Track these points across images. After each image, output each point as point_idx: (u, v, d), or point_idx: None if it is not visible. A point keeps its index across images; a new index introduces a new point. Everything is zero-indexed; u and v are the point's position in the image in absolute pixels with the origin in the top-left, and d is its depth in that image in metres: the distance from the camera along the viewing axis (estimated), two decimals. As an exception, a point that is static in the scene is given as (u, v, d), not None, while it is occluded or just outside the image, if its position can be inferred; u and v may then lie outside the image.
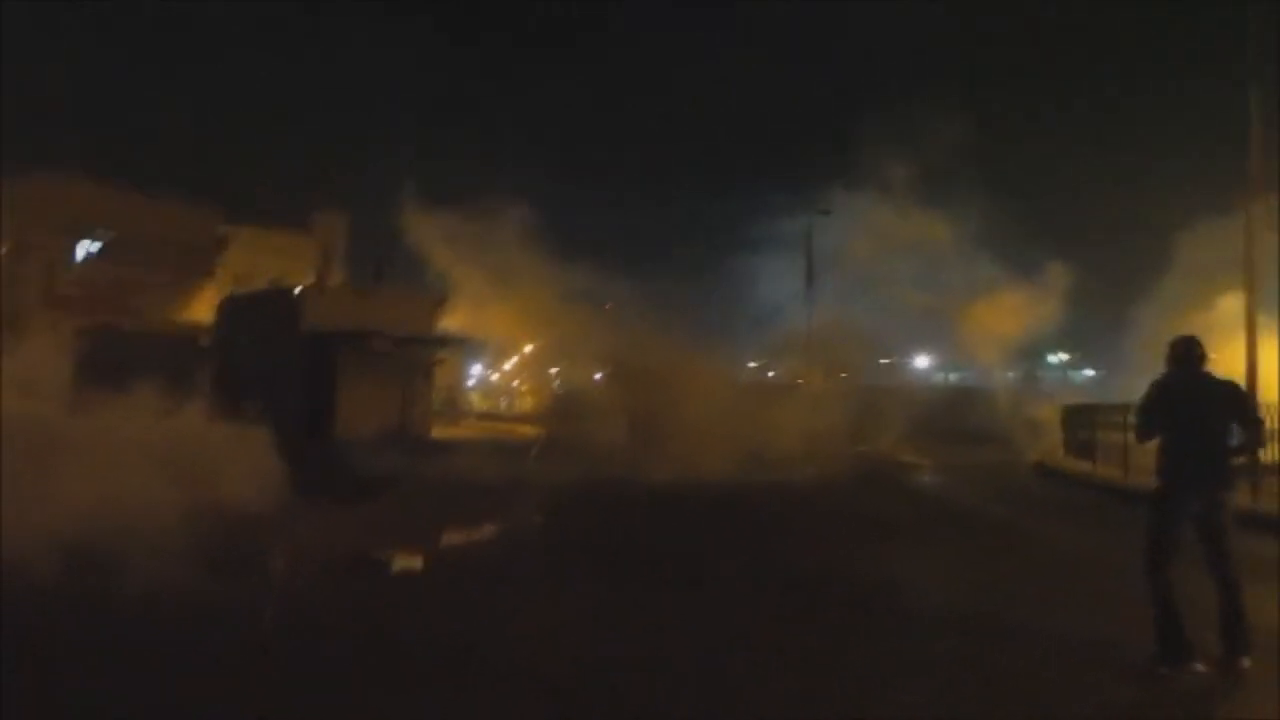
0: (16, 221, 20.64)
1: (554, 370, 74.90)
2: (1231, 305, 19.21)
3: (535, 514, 10.31)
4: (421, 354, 26.00)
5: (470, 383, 68.27)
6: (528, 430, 31.44)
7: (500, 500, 11.68)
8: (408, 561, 7.60)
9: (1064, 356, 54.28)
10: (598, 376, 70.62)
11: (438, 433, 27.47)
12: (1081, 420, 19.41)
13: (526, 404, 61.07)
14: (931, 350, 52.27)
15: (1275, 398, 12.80)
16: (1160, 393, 5.40)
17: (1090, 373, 51.15)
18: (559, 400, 58.74)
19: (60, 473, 9.03)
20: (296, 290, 25.00)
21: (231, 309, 23.89)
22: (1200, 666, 4.92)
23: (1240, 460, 5.64)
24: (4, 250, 20.63)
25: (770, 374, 57.39)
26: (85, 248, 21.24)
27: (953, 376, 54.89)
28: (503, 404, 65.70)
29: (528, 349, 65.13)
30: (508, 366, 70.24)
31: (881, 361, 47.85)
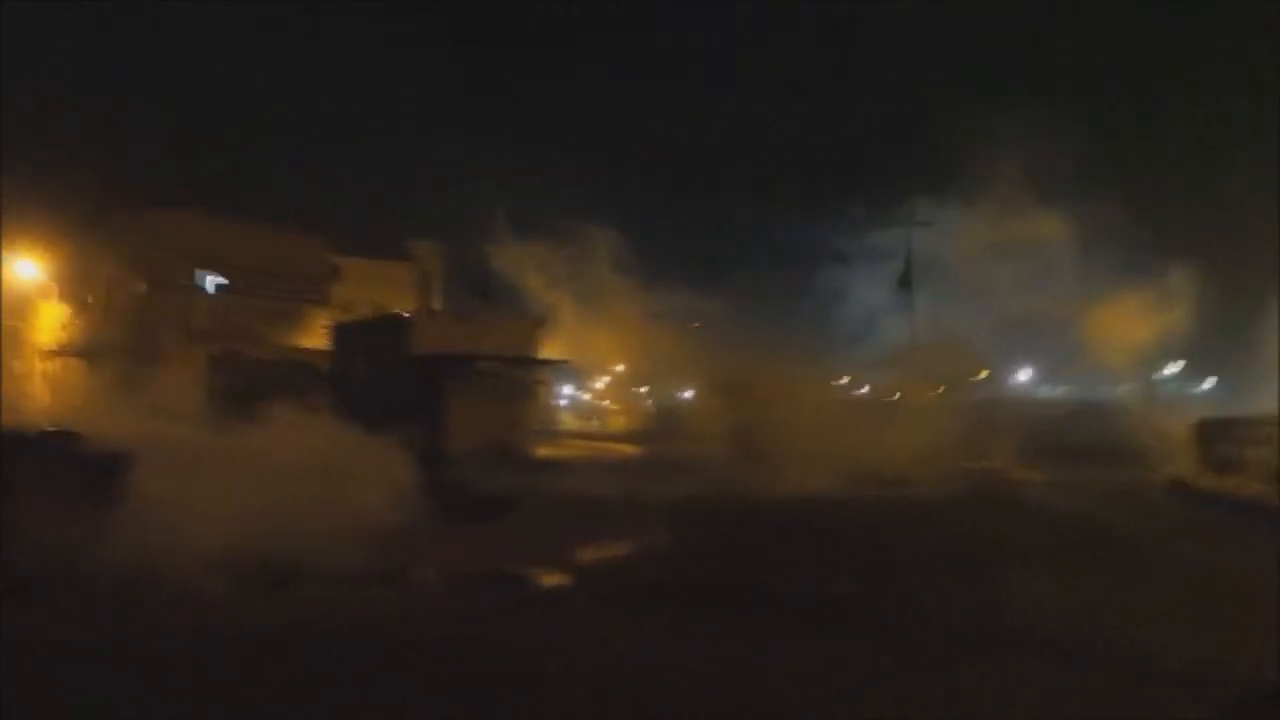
0: (151, 257, 21.89)
1: (643, 389, 75.09)
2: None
3: (661, 532, 10.26)
4: (524, 375, 26.43)
5: (561, 403, 68.89)
6: (625, 449, 31.59)
7: (621, 518, 11.71)
8: (550, 578, 7.66)
9: (1177, 366, 51.58)
10: (688, 394, 70.44)
11: (539, 452, 27.81)
12: (1221, 434, 18.23)
13: (618, 423, 61.38)
14: (1035, 363, 50.41)
15: None
16: None
17: (1209, 383, 48.31)
18: (653, 419, 58.95)
19: (214, 491, 9.42)
20: (406, 316, 25.83)
21: (345, 335, 24.78)
22: None
23: None
24: (143, 286, 21.90)
25: (863, 390, 56.21)
26: (213, 281, 22.33)
27: (1058, 390, 52.75)
28: (594, 423, 66.20)
29: (618, 369, 65.63)
30: (598, 386, 70.90)
31: (980, 375, 46.40)
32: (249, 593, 7.37)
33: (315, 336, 24.36)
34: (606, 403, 74.09)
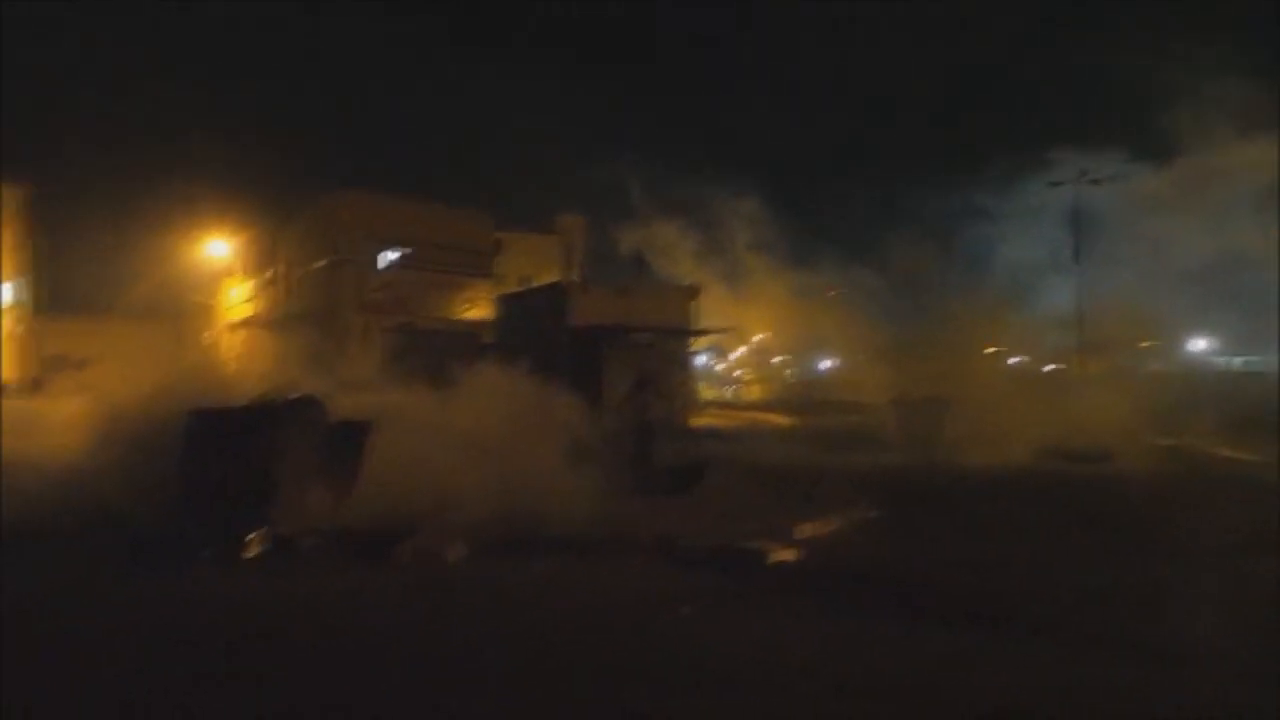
0: (333, 235, 22.94)
1: (777, 359, 73.98)
2: None
3: (868, 507, 9.89)
4: (679, 345, 26.40)
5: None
6: (775, 419, 31.14)
7: (814, 491, 11.39)
8: (782, 553, 7.46)
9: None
10: (825, 365, 68.77)
11: (693, 422, 27.74)
12: None
13: (754, 393, 60.90)
14: (1211, 331, 46.58)
15: None
16: None
17: None
18: (792, 389, 57.97)
19: (436, 456, 9.67)
20: (565, 286, 26.19)
21: (507, 306, 25.37)
22: None
23: None
24: (325, 261, 23.00)
25: (1015, 360, 53.43)
26: (386, 256, 23.22)
27: (1238, 361, 48.63)
28: (728, 393, 65.89)
29: (756, 338, 64.91)
30: (733, 357, 70.44)
31: (1144, 345, 43.18)
32: (491, 554, 7.50)
33: (479, 308, 25.00)
34: (739, 373, 73.62)
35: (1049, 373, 38.52)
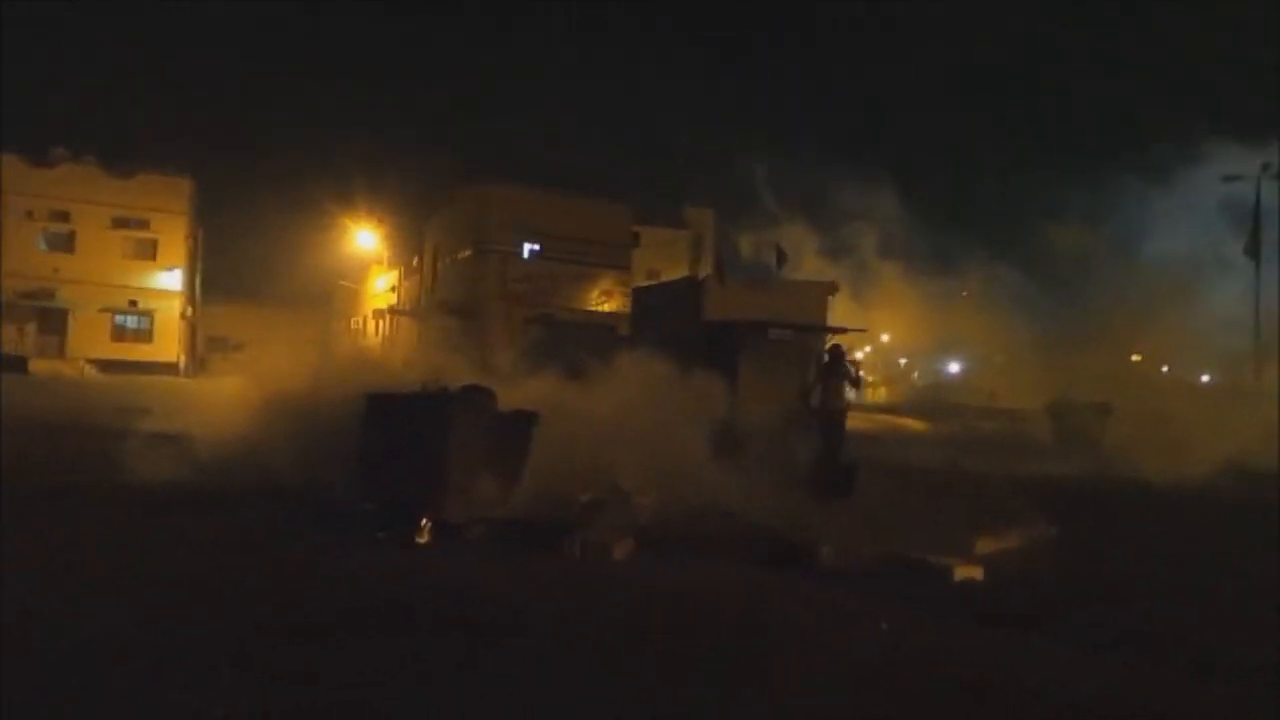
0: (477, 226, 23.38)
1: (903, 360, 71.52)
2: None
3: (1047, 524, 9.15)
4: (815, 342, 25.65)
5: (817, 373, 67.15)
6: (908, 422, 29.90)
7: (982, 500, 10.67)
8: (969, 571, 6.92)
9: None
10: (954, 369, 65.89)
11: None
12: None
13: (879, 395, 59.06)
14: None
15: None
16: None
17: None
18: (919, 392, 55.83)
19: (595, 445, 9.53)
20: (700, 280, 25.96)
21: (642, 299, 25.28)
22: None
23: None
24: (469, 252, 23.47)
25: (1163, 369, 49.89)
26: (528, 248, 23.49)
27: None
28: (852, 395, 63.88)
29: (882, 339, 62.92)
30: (859, 356, 68.61)
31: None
32: (657, 552, 7.27)
33: (615, 300, 25.01)
34: (862, 374, 71.31)
35: (1220, 382, 35.65)
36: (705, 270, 33.91)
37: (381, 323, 33.28)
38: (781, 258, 27.98)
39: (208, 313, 43.66)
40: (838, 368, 12.54)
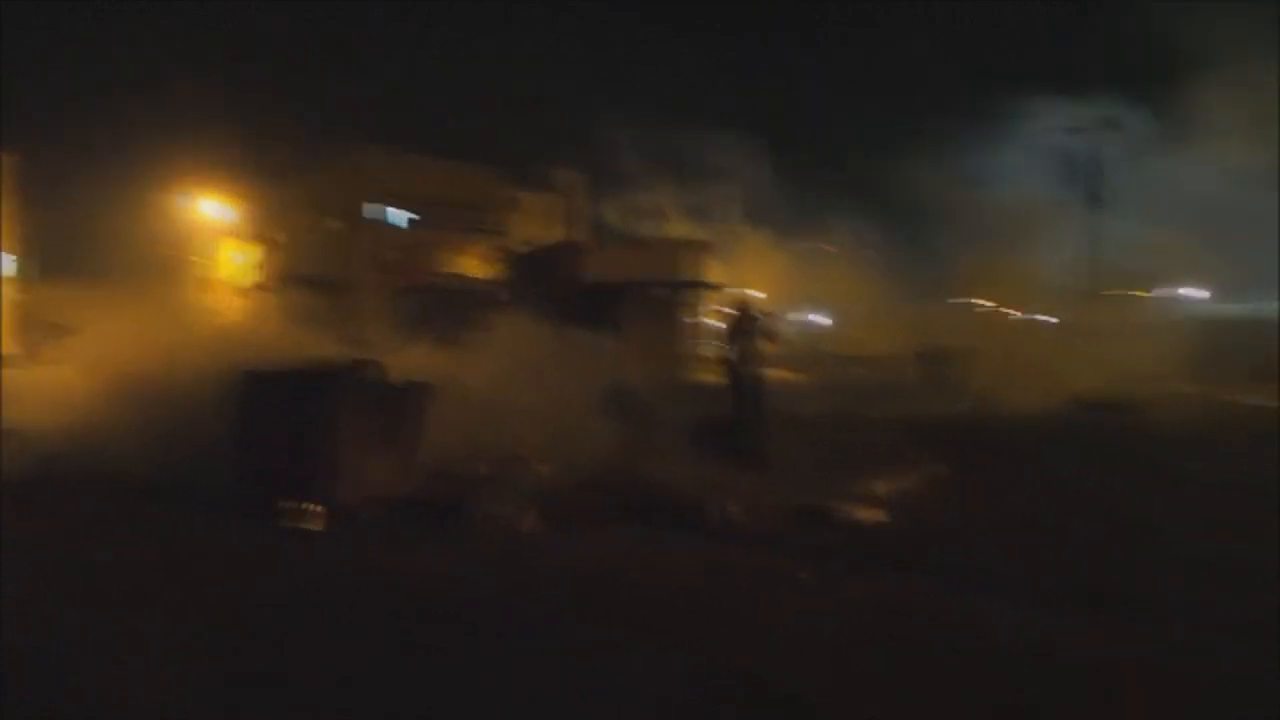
0: (346, 194, 22.14)
1: (766, 314, 73.34)
2: None
3: (935, 464, 9.46)
4: (694, 299, 25.84)
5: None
6: (781, 373, 30.64)
7: (867, 446, 10.99)
8: (871, 514, 7.03)
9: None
10: (822, 320, 68.20)
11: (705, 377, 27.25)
12: None
13: (753, 349, 60.41)
14: (1213, 279, 46.06)
15: None
16: None
17: None
18: (796, 344, 57.40)
19: (492, 420, 9.17)
20: (580, 244, 25.57)
21: (521, 265, 24.69)
22: None
23: None
24: (339, 222, 22.23)
25: (1010, 313, 53.07)
26: (404, 216, 22.46)
27: (1235, 309, 48.31)
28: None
29: (749, 293, 64.11)
30: (727, 311, 69.95)
31: (1138, 294, 42.73)
32: (566, 525, 7.05)
33: (493, 267, 24.38)
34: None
35: (1061, 322, 38.13)
36: (580, 233, 33.51)
37: (241, 299, 31.29)
38: (656, 217, 27.90)
39: (41, 296, 39.89)
40: (748, 325, 11.28)
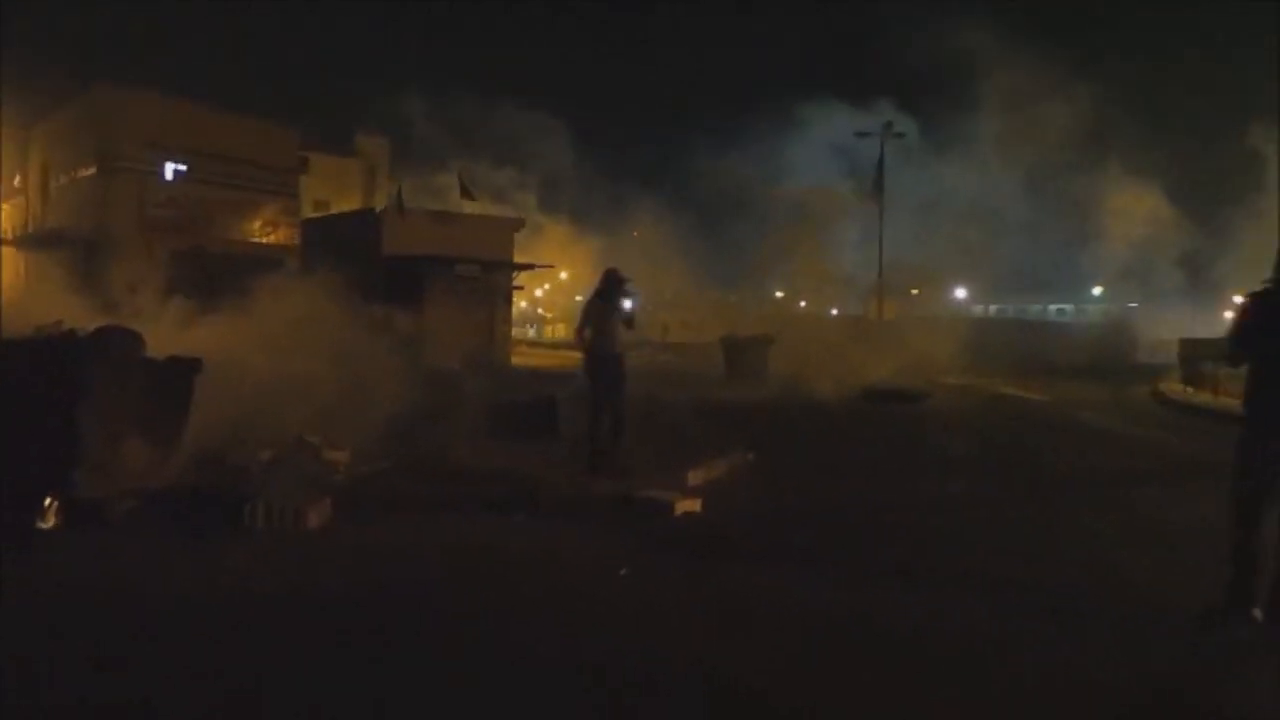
0: (104, 138, 19.43)
1: (579, 298, 73.67)
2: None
3: (744, 449, 9.52)
4: (503, 279, 25.08)
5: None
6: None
7: (678, 433, 10.96)
8: (688, 505, 6.86)
9: (1099, 290, 53.14)
10: (629, 305, 69.45)
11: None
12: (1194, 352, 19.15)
13: (558, 331, 60.29)
14: (969, 281, 50.91)
15: None
16: (1258, 306, 4.36)
17: (1133, 305, 49.90)
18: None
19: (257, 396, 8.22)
20: (379, 212, 24.02)
21: (313, 231, 22.87)
22: (1258, 614, 4.26)
23: None
24: (93, 169, 19.45)
25: (802, 304, 56.37)
26: (171, 167, 20.01)
27: (992, 309, 53.75)
28: (531, 332, 65.01)
29: (562, 276, 64.11)
30: (538, 294, 69.34)
31: (912, 292, 46.66)
32: (359, 515, 6.34)
33: (281, 232, 22.39)
34: (540, 311, 72.74)
35: (852, 318, 40.66)
36: (380, 202, 31.76)
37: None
38: (465, 190, 26.79)
39: None
40: (613, 298, 8.75)
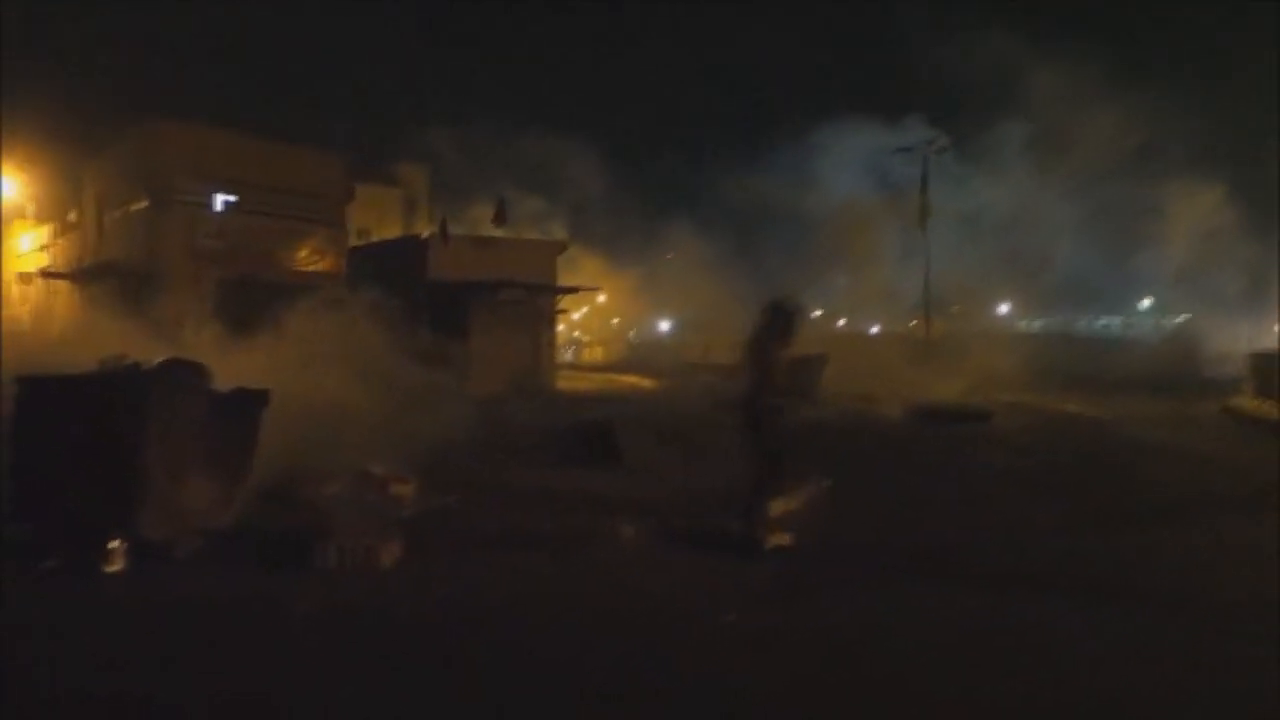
0: (154, 172, 19.59)
1: (615, 321, 73.52)
2: None
3: (823, 477, 9.03)
4: (546, 303, 24.86)
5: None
6: (635, 380, 30.18)
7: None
8: (780, 540, 6.41)
9: (1148, 302, 51.78)
10: (665, 327, 68.57)
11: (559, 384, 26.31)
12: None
13: (596, 354, 60.02)
14: (1012, 296, 49.85)
15: None
16: None
17: (1181, 319, 48.47)
18: (634, 351, 57.41)
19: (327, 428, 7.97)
20: (424, 238, 23.97)
21: (359, 259, 22.84)
22: None
23: None
24: (146, 202, 19.62)
25: (841, 323, 55.64)
26: (221, 198, 20.10)
27: (1037, 324, 52.61)
28: (568, 355, 64.86)
29: (599, 299, 64.12)
30: (575, 317, 69.28)
31: (952, 309, 45.76)
32: (433, 552, 6.00)
33: (328, 260, 22.40)
34: (578, 334, 72.79)
35: (897, 335, 39.93)
36: (421, 229, 31.80)
37: (28, 288, 27.39)
38: (502, 214, 26.66)
39: None
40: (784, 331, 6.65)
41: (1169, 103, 44.47)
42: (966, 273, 40.71)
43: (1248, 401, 18.57)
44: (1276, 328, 36.79)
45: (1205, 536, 6.97)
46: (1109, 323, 51.38)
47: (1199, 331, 35.58)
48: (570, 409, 16.70)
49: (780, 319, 6.68)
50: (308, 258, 21.47)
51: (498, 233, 26.29)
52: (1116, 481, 10.24)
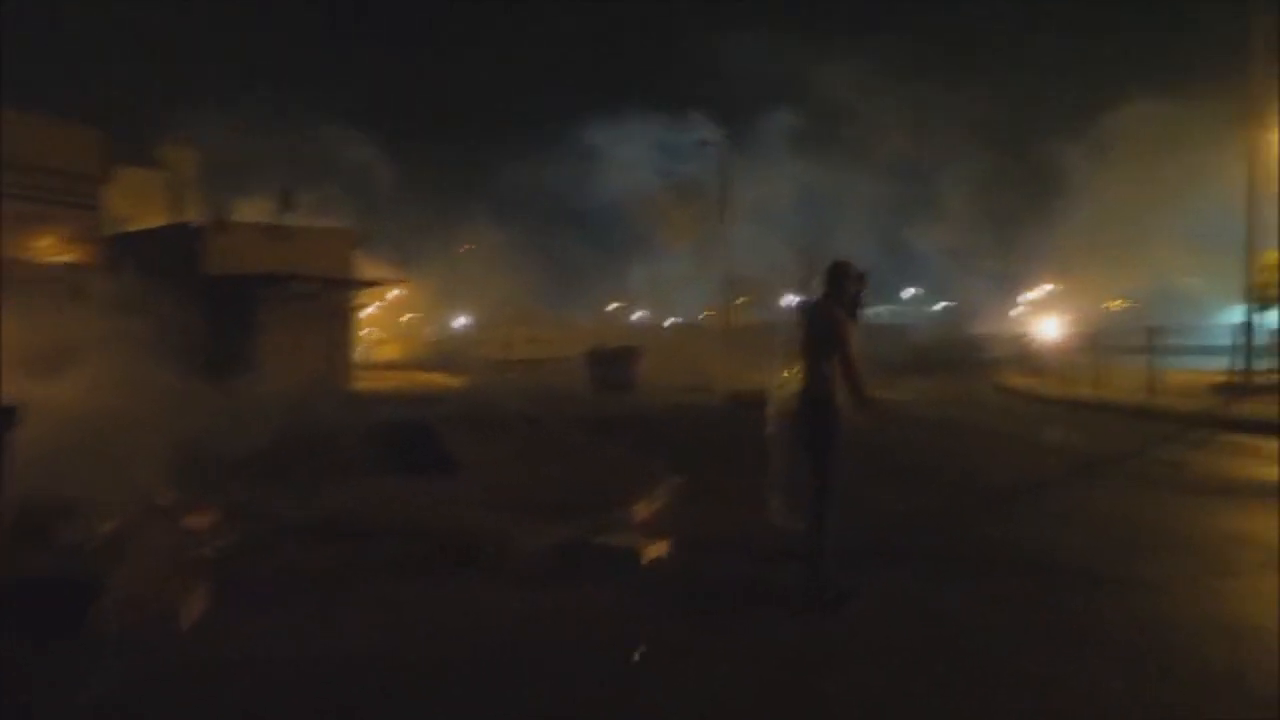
0: None
1: (406, 318, 70.56)
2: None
3: (670, 473, 8.53)
4: (343, 297, 22.77)
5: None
6: (437, 378, 28.53)
7: (590, 459, 9.83)
8: (655, 550, 5.77)
9: (913, 291, 56.40)
10: (462, 322, 66.58)
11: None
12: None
13: (388, 352, 56.78)
14: (796, 288, 52.61)
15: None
16: None
17: (941, 306, 53.34)
18: (431, 347, 55.14)
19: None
20: (198, 226, 21.15)
21: (121, 248, 19.74)
22: None
23: None
24: None
25: (636, 315, 56.41)
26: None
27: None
28: (358, 352, 60.96)
29: (391, 295, 60.97)
30: (364, 314, 65.35)
31: (738, 300, 47.68)
32: (242, 601, 4.80)
33: (82, 248, 19.27)
34: (367, 331, 68.80)
35: (697, 325, 40.76)
36: (191, 216, 28.39)
37: None
38: (287, 202, 24.29)
39: None
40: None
41: (938, 96, 48.37)
42: (754, 263, 42.28)
43: (1014, 378, 20.41)
44: (1012, 313, 41.26)
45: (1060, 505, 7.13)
46: (879, 311, 55.52)
47: (960, 316, 39.16)
48: (372, 410, 15.11)
49: (852, 282, 5.08)
50: (57, 245, 18.32)
51: (285, 221, 23.84)
52: (949, 460, 10.58)
